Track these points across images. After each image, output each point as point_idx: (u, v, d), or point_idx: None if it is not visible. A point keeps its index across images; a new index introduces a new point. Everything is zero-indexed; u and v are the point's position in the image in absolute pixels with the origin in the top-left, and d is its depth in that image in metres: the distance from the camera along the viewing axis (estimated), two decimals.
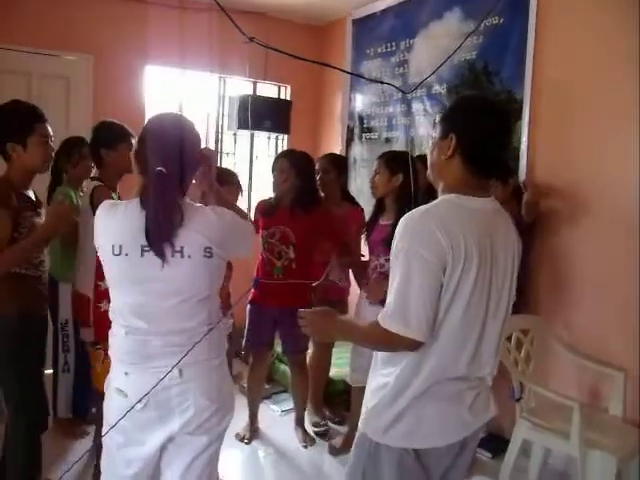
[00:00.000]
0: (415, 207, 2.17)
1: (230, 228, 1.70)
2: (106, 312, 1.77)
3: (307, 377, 3.39)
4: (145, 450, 1.72)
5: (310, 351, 3.52)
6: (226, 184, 2.63)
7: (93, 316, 2.48)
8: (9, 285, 2.23)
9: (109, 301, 1.74)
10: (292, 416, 3.50)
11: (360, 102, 4.65)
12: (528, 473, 3.04)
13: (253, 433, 3.40)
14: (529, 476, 3.04)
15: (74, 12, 3.97)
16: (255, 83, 4.98)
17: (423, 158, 3.35)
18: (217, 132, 4.94)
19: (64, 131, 3.92)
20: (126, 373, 1.69)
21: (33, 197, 2.36)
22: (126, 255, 1.62)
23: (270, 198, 3.25)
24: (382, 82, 3.68)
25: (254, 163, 5.21)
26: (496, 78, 3.46)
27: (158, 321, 1.67)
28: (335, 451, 3.21)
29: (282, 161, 3.15)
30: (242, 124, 4.52)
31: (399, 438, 1.53)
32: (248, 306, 3.25)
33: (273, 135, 5.08)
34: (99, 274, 2.25)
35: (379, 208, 2.98)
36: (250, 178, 5.19)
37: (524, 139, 3.28)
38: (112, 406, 1.70)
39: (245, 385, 3.50)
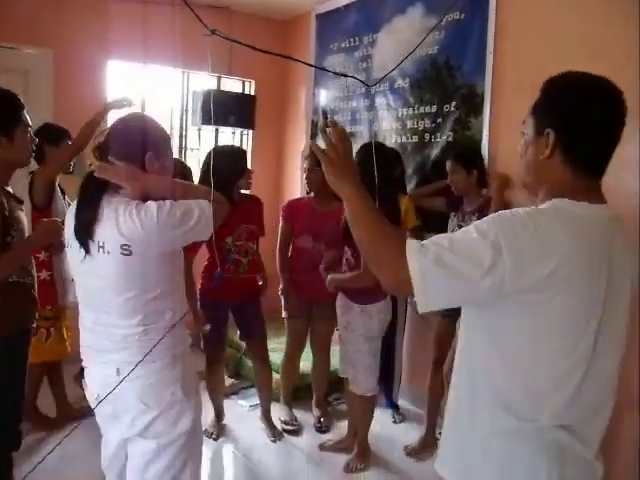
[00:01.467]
0: (380, 199, 2.25)
1: (163, 225, 1.58)
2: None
3: (270, 371, 3.41)
4: (107, 447, 1.78)
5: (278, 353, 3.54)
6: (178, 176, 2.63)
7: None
8: (8, 297, 2.06)
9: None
10: (260, 411, 3.50)
11: (324, 97, 4.66)
12: None
13: (220, 429, 3.39)
14: None
15: (34, 5, 3.87)
16: (219, 78, 4.95)
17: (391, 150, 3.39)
18: (181, 127, 4.90)
19: None
20: (85, 367, 1.75)
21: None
22: (70, 247, 1.70)
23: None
24: (346, 75, 3.71)
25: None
26: (458, 72, 3.51)
27: (101, 315, 1.68)
28: (349, 470, 3.06)
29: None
30: (206, 119, 4.49)
31: None
32: (200, 304, 3.07)
33: (238, 130, 5.06)
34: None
35: None
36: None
37: (485, 132, 3.34)
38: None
39: None
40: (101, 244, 1.60)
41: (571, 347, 1.16)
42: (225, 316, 3.24)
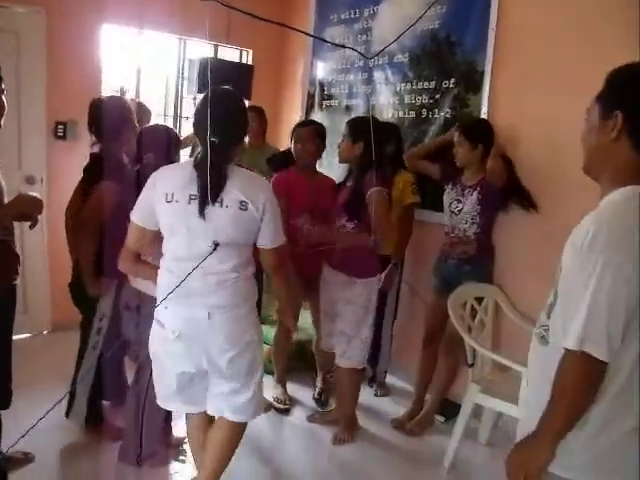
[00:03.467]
0: (377, 174, 2.34)
1: (271, 207, 2.05)
2: None
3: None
4: (171, 380, 2.11)
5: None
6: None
7: None
8: None
9: None
10: None
11: (321, 69, 4.60)
12: (478, 435, 3.17)
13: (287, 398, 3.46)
14: (479, 438, 3.17)
15: None
16: (216, 46, 4.87)
17: (388, 126, 3.37)
18: (176, 95, 4.84)
19: (14, 89, 3.78)
20: (166, 307, 2.02)
21: None
22: (177, 202, 1.97)
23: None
24: (345, 47, 3.65)
25: None
26: (458, 49, 3.46)
27: (198, 262, 1.95)
28: (336, 442, 3.10)
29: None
30: (202, 88, 4.43)
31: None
32: None
33: None
34: None
35: (348, 173, 3.03)
36: None
37: (484, 110, 3.32)
38: (152, 335, 2.10)
39: None
40: (219, 200, 1.95)
41: None
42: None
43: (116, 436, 2.82)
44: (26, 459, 2.63)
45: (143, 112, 3.55)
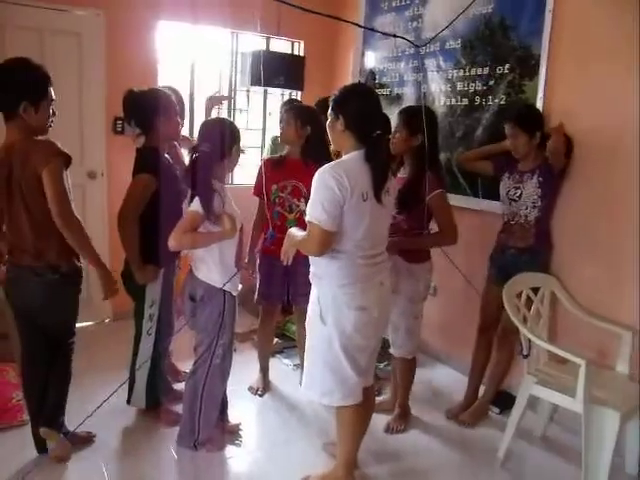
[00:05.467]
0: (432, 170, 2.63)
1: None
2: None
3: None
4: (367, 356, 2.39)
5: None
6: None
7: None
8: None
9: None
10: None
11: (372, 58, 4.56)
12: (534, 428, 3.12)
13: (265, 386, 3.49)
14: (535, 431, 3.12)
15: None
16: (268, 39, 4.91)
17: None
18: (230, 89, 4.91)
19: (77, 88, 3.94)
20: (363, 291, 2.27)
21: None
22: (369, 200, 2.20)
23: (280, 155, 3.24)
24: (395, 36, 3.59)
25: (267, 120, 5.19)
26: (513, 33, 3.38)
27: (380, 246, 2.34)
28: (389, 431, 3.12)
29: (288, 113, 3.13)
30: (255, 80, 4.49)
31: None
32: (258, 259, 3.29)
33: (286, 92, 5.03)
34: None
35: (398, 164, 3.01)
36: (264, 134, 5.17)
37: (540, 95, 3.23)
38: (353, 320, 2.27)
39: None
40: (385, 189, 2.26)
41: None
42: (278, 274, 3.21)
43: (174, 421, 2.92)
44: (89, 438, 2.81)
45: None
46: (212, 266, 2.58)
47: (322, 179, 2.15)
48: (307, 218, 2.20)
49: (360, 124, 2.22)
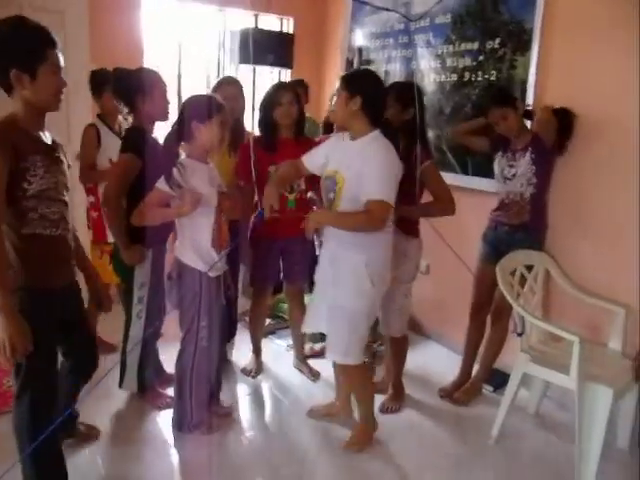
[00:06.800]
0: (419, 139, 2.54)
1: None
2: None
3: (304, 311, 3.42)
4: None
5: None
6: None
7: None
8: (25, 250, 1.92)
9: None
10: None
11: (360, 35, 4.50)
12: (527, 405, 3.13)
13: (259, 367, 3.48)
14: (528, 409, 3.13)
15: None
16: (257, 16, 4.83)
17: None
18: (218, 66, 4.83)
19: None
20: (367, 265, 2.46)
21: (48, 140, 2.00)
22: None
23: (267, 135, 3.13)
24: (387, 9, 3.53)
25: (256, 98, 5.12)
26: (504, 7, 3.32)
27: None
28: (384, 411, 3.11)
29: (290, 94, 3.06)
30: (244, 58, 4.42)
31: None
32: (250, 241, 3.23)
33: (275, 69, 4.96)
34: None
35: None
36: (253, 112, 5.10)
37: (532, 70, 3.18)
38: (364, 297, 2.50)
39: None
40: None
41: None
42: (273, 255, 3.21)
43: (166, 404, 2.92)
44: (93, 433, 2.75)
45: None
46: (185, 243, 2.55)
47: (385, 157, 2.36)
48: (372, 196, 2.30)
49: (376, 106, 2.41)
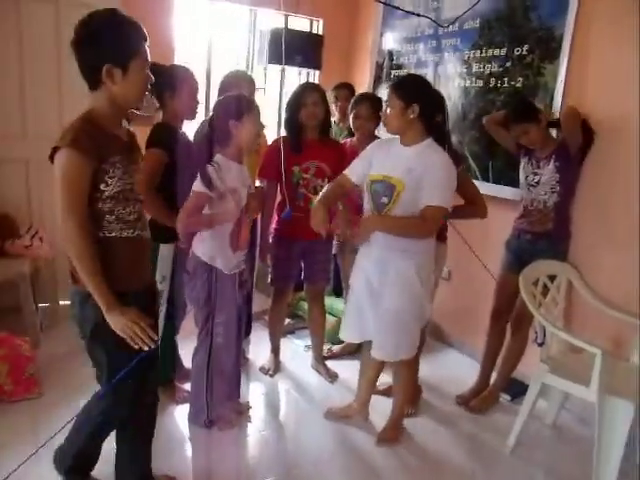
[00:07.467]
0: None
1: None
2: None
3: (324, 312, 3.44)
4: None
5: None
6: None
7: None
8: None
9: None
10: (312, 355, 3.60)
11: (391, 38, 4.49)
12: (545, 416, 3.10)
13: (276, 366, 3.49)
14: (545, 419, 3.10)
15: None
16: (287, 16, 4.85)
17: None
18: (247, 66, 4.86)
19: None
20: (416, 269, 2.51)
21: (125, 136, 1.91)
22: None
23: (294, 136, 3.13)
24: (418, 15, 3.52)
25: (284, 98, 5.14)
26: (534, 13, 3.29)
27: None
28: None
29: (316, 94, 3.08)
30: (273, 59, 4.44)
31: None
32: (272, 240, 3.23)
33: (304, 70, 4.98)
34: None
35: None
36: (280, 113, 5.13)
37: (561, 79, 3.15)
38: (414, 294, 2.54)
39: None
40: None
41: None
42: (295, 255, 3.22)
43: (185, 398, 2.95)
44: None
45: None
46: (205, 240, 2.55)
47: (449, 166, 2.40)
48: (432, 202, 2.36)
49: (433, 114, 2.46)
